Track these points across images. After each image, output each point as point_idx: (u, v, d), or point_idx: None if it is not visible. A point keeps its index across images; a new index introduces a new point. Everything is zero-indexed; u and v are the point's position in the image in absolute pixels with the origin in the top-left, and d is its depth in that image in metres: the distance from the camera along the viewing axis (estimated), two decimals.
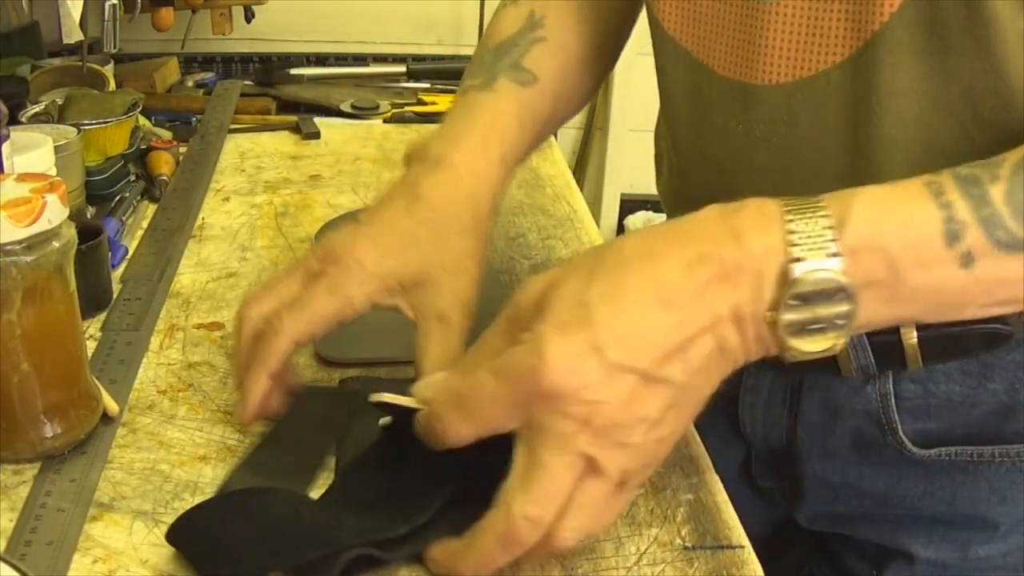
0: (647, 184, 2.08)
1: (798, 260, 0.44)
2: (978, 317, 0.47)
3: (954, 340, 0.58)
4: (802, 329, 0.45)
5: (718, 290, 0.44)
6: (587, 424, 0.44)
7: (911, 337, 0.59)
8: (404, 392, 0.52)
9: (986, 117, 0.52)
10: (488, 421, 0.47)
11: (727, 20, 0.58)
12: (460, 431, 0.47)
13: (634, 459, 0.46)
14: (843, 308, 0.44)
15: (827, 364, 0.58)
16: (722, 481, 0.60)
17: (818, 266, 0.44)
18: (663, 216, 2.10)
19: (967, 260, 0.44)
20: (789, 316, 0.44)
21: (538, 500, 0.45)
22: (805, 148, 0.57)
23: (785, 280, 0.44)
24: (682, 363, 0.45)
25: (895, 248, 0.44)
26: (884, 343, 0.60)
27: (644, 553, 0.53)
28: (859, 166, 0.55)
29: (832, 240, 0.44)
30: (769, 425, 0.69)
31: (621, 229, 2.05)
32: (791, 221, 0.44)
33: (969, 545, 0.66)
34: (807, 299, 0.44)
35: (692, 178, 0.67)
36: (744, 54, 0.57)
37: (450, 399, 0.48)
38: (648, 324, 0.44)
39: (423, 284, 0.59)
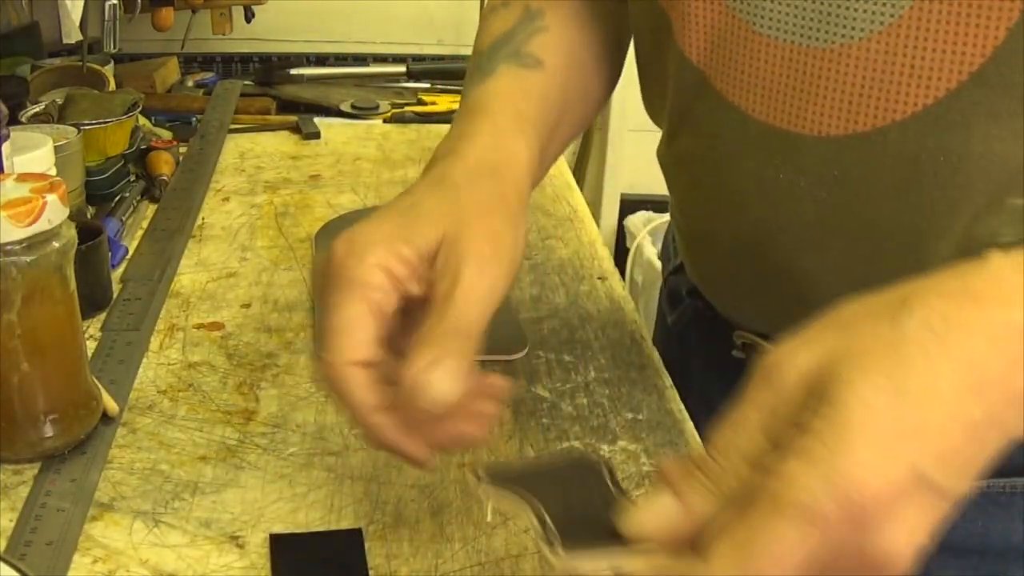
0: (647, 184, 2.08)
1: None
2: None
3: None
4: None
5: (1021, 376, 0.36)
6: (871, 554, 0.34)
7: None
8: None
9: None
10: (789, 571, 0.33)
11: (770, 64, 0.52)
12: None
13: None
14: None
15: None
16: None
17: None
18: (663, 216, 2.10)
19: None
20: None
21: None
22: (857, 206, 0.52)
23: None
24: (967, 474, 0.36)
25: None
26: None
27: None
28: (920, 229, 0.51)
29: None
30: None
31: (621, 229, 2.05)
32: None
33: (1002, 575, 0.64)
34: None
35: (709, 222, 0.62)
36: (791, 101, 0.52)
37: (737, 557, 0.33)
38: (962, 430, 0.35)
39: (445, 243, 0.47)
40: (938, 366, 0.34)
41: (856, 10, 0.49)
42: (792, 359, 0.36)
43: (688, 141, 0.61)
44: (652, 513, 0.37)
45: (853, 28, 0.49)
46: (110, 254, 0.79)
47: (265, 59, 1.49)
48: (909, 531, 0.34)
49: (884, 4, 0.48)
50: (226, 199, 0.99)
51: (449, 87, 1.38)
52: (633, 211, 2.04)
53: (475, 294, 0.46)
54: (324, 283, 0.48)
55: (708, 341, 0.72)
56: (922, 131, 0.49)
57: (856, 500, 0.32)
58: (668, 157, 0.65)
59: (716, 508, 0.35)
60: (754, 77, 0.53)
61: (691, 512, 0.36)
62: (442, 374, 0.43)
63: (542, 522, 0.39)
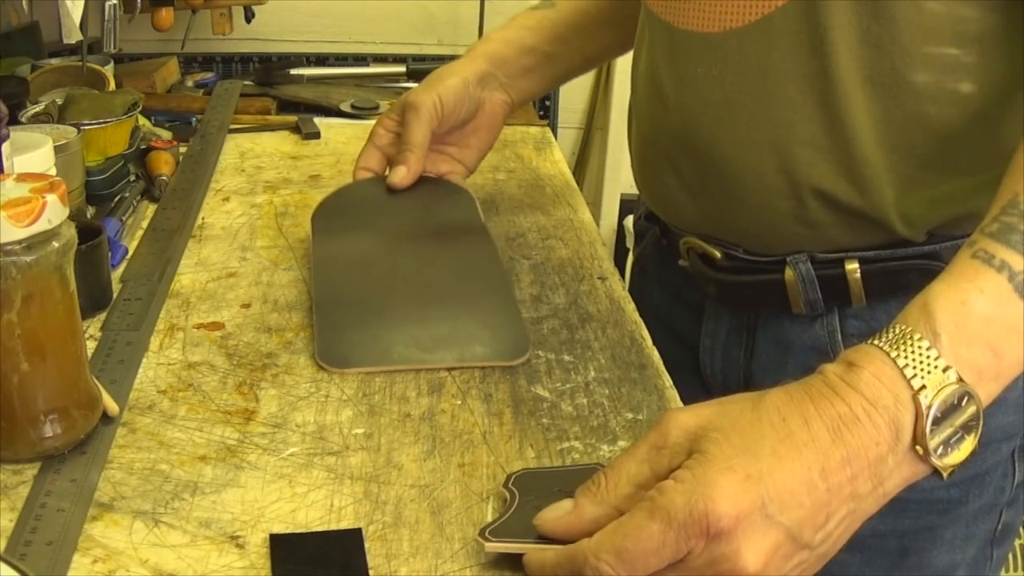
0: None
1: (922, 389, 0.47)
2: None
3: (894, 275, 0.66)
4: (947, 445, 0.48)
5: (863, 450, 0.47)
6: (729, 564, 0.45)
7: (855, 272, 0.67)
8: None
9: (911, 51, 0.61)
10: (648, 568, 0.45)
11: None
12: None
13: None
14: (971, 410, 0.48)
15: (778, 302, 0.69)
16: None
17: (938, 384, 0.47)
18: None
19: None
20: (934, 441, 0.48)
21: None
22: (776, 85, 0.65)
23: (920, 413, 0.47)
24: (823, 531, 0.47)
25: (985, 331, 0.48)
26: (830, 276, 0.68)
27: None
28: (824, 97, 0.63)
29: (936, 358, 0.48)
30: (728, 366, 0.77)
31: (621, 229, 2.05)
32: (897, 358, 0.48)
33: None
34: (941, 418, 0.47)
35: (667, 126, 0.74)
36: (702, 8, 0.67)
37: (608, 548, 0.46)
38: (803, 483, 0.46)
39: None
40: (782, 438, 0.47)
41: None
42: (680, 419, 0.49)
43: (639, 61, 0.78)
44: (552, 513, 0.50)
45: None
46: (110, 254, 0.79)
47: (265, 59, 1.49)
48: (754, 552, 0.44)
49: None
50: (226, 199, 0.99)
51: None
52: (633, 211, 2.04)
53: (408, 130, 0.85)
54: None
55: (663, 265, 0.83)
56: (800, 13, 0.62)
57: (704, 514, 0.44)
58: (631, 82, 0.81)
59: (602, 514, 0.48)
60: None
61: (581, 515, 0.49)
62: (395, 171, 0.86)
63: (500, 514, 0.53)
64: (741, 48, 0.65)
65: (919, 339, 0.48)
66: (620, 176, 2.01)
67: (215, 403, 0.65)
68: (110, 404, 0.62)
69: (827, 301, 0.69)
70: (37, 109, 0.97)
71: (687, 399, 0.68)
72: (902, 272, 0.67)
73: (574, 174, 1.09)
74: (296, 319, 0.76)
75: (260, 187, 1.02)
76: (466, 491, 0.57)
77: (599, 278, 0.84)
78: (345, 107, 1.28)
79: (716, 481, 0.45)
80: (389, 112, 0.88)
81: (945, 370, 0.47)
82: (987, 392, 0.49)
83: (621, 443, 0.62)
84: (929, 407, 0.47)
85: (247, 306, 0.77)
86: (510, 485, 0.55)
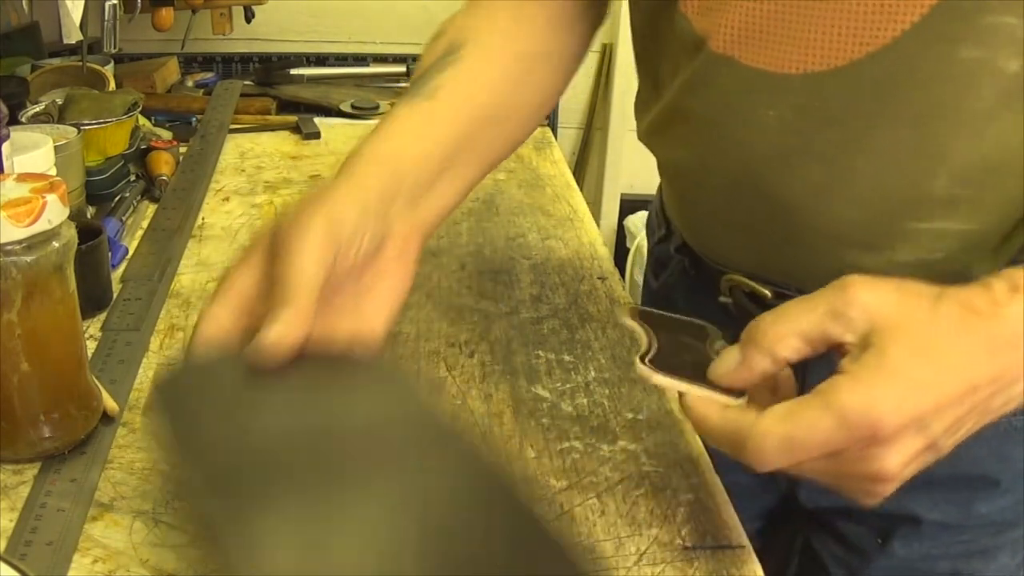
0: (647, 184, 2.08)
1: None
2: None
3: None
4: None
5: (1008, 373, 0.49)
6: (872, 467, 0.47)
7: None
8: None
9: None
10: (811, 453, 0.47)
11: (758, 15, 0.60)
12: (777, 460, 0.48)
13: (863, 494, 0.50)
14: None
15: None
16: (722, 466, 0.61)
17: None
18: None
19: None
20: None
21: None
22: (836, 133, 0.59)
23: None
24: (955, 438, 0.49)
25: None
26: None
27: (644, 553, 0.53)
28: (894, 152, 0.58)
29: None
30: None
31: (621, 229, 2.05)
32: None
33: (972, 503, 0.69)
34: None
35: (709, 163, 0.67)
36: (776, 45, 0.59)
37: (778, 433, 0.47)
38: (958, 402, 0.48)
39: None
40: (952, 348, 0.47)
41: None
42: (863, 298, 0.48)
43: (685, 97, 0.66)
44: (724, 366, 0.51)
45: None
46: (110, 254, 0.79)
47: (265, 59, 1.49)
48: (901, 457, 0.47)
49: None
50: (226, 199, 0.99)
51: None
52: (633, 211, 2.04)
53: (300, 268, 0.52)
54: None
55: (693, 295, 0.75)
56: (893, 60, 0.56)
57: (875, 420, 0.45)
58: (662, 115, 0.70)
59: (771, 367, 0.50)
60: (744, 29, 0.60)
61: (752, 368, 0.50)
62: (272, 334, 0.50)
63: (648, 344, 0.54)
64: (822, 93, 0.58)
65: None
66: (620, 176, 2.01)
67: None
68: (110, 404, 0.62)
69: None
70: (37, 109, 0.97)
71: None
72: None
73: (574, 174, 1.09)
74: None
75: (260, 187, 1.02)
76: None
77: (599, 278, 0.84)
78: (345, 107, 1.28)
79: (890, 387, 0.46)
80: (248, 249, 0.56)
81: None
82: None
83: (621, 443, 0.62)
84: None
85: None
86: (639, 320, 0.56)
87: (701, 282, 0.74)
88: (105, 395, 0.62)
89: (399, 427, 0.51)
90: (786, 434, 0.47)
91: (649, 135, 0.74)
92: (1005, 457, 0.67)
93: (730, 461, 0.58)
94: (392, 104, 1.28)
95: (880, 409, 0.46)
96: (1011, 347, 0.48)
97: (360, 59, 1.53)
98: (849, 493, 0.50)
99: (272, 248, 0.55)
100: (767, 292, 0.68)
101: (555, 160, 1.13)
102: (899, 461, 0.47)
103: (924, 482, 0.68)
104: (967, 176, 0.58)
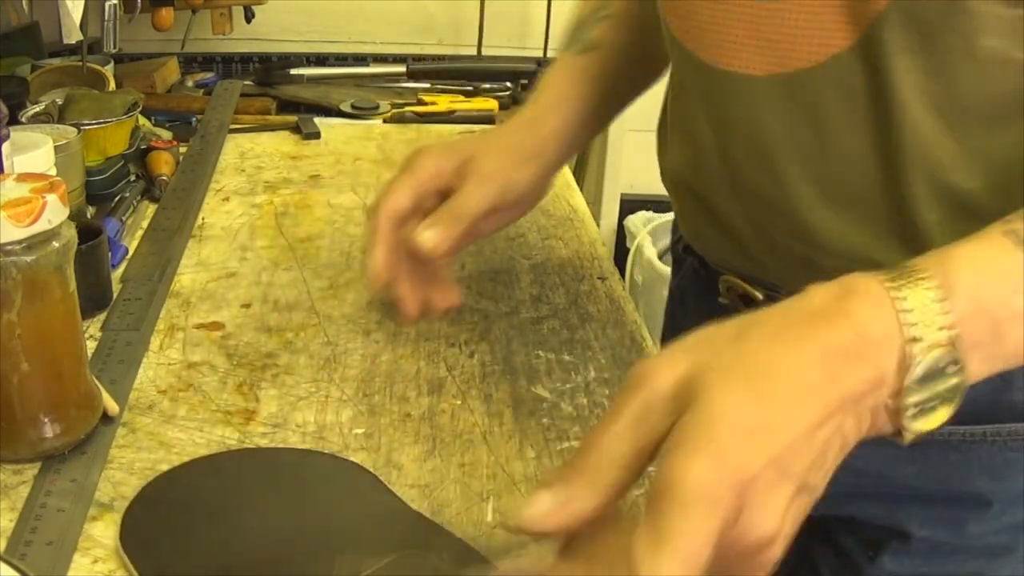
0: (647, 184, 2.07)
1: (915, 340, 0.43)
2: None
3: None
4: (920, 410, 0.44)
5: (849, 387, 0.43)
6: (753, 535, 0.41)
7: None
8: None
9: (969, 112, 0.54)
10: (704, 551, 0.39)
11: (727, 20, 0.60)
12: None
13: (752, 568, 0.42)
14: (954, 380, 0.44)
15: None
16: None
17: (933, 342, 0.43)
18: (663, 216, 2.10)
19: None
20: (911, 399, 0.43)
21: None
22: (805, 134, 0.60)
23: (905, 365, 0.43)
24: (823, 472, 0.43)
25: (995, 307, 0.44)
26: None
27: None
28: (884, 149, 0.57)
29: (943, 314, 0.43)
30: None
31: (621, 229, 2.05)
32: (900, 299, 0.43)
33: (964, 523, 0.67)
34: (925, 379, 0.43)
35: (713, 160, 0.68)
36: (743, 49, 0.60)
37: (653, 541, 0.39)
38: (804, 427, 0.42)
39: (465, 162, 0.70)
40: (780, 377, 0.42)
41: None
42: (660, 378, 0.42)
43: (673, 101, 0.72)
44: (534, 506, 0.41)
45: None
46: (110, 254, 0.79)
47: (265, 59, 1.49)
48: (777, 514, 0.40)
49: None
50: (226, 199, 0.99)
51: (449, 87, 1.38)
52: (633, 211, 2.04)
53: (464, 198, 0.68)
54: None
55: (702, 296, 0.76)
56: (850, 66, 0.56)
57: (743, 481, 0.38)
58: (660, 122, 0.76)
59: (596, 501, 0.41)
60: (711, 30, 0.62)
61: (570, 504, 0.41)
62: (431, 232, 0.66)
63: None
64: (791, 95, 0.59)
65: (928, 288, 0.43)
66: (620, 176, 2.01)
67: (215, 403, 0.65)
68: (110, 404, 0.62)
69: None
70: (37, 109, 0.97)
71: None
72: None
73: (574, 174, 1.09)
74: (296, 319, 0.76)
75: (260, 187, 1.02)
76: (466, 491, 0.57)
77: (599, 278, 0.84)
78: (345, 107, 1.28)
79: (727, 438, 0.39)
80: (442, 152, 0.71)
81: (942, 329, 0.43)
82: (975, 371, 0.44)
83: None
84: (917, 363, 0.43)
85: (247, 306, 0.77)
86: None
87: (708, 283, 0.74)
88: (105, 395, 0.62)
89: (372, 523, 0.54)
90: (656, 535, 0.38)
91: (657, 146, 0.77)
92: (998, 476, 0.65)
93: None
94: (391, 104, 1.29)
95: (735, 461, 0.39)
96: (846, 359, 0.42)
97: (360, 59, 1.53)
98: (745, 572, 0.42)
99: (460, 165, 0.70)
100: (758, 294, 0.68)
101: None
102: (774, 516, 0.40)
103: (915, 497, 0.68)
104: (937, 176, 0.56)
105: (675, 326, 0.79)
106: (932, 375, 0.43)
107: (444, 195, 0.69)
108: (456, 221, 0.67)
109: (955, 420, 0.63)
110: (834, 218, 0.59)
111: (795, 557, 0.68)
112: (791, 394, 0.42)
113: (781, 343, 0.43)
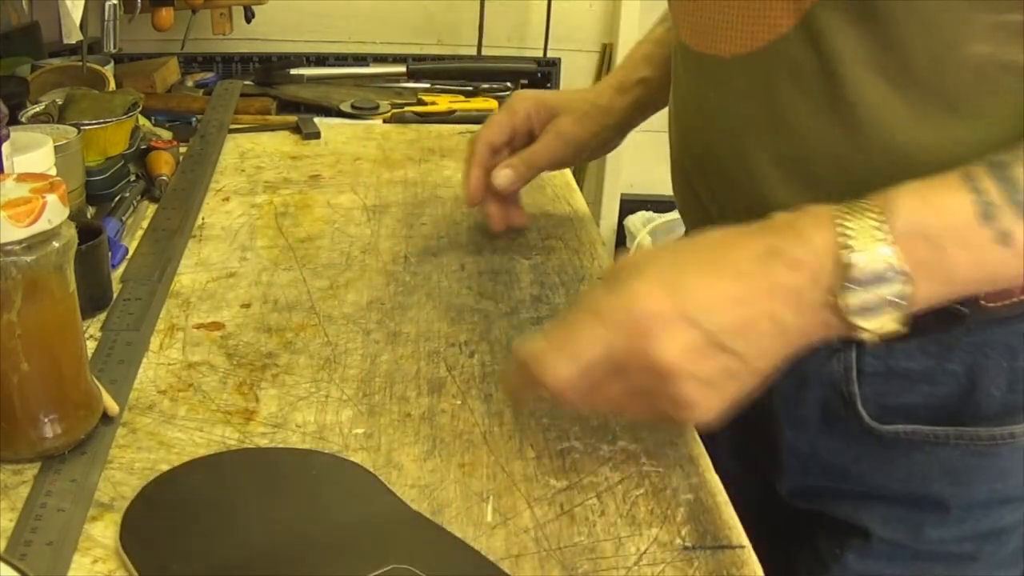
0: (647, 184, 2.08)
1: (850, 248, 0.49)
2: None
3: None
4: (864, 310, 0.49)
5: (782, 277, 0.50)
6: (647, 358, 0.49)
7: None
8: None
9: (921, 80, 0.56)
10: (586, 355, 0.51)
11: (699, 5, 0.66)
12: (560, 370, 0.51)
13: (670, 407, 0.51)
14: (898, 287, 0.49)
15: None
16: (714, 454, 0.62)
17: (869, 250, 0.49)
18: (663, 216, 2.10)
19: (1004, 238, 0.49)
20: (848, 298, 0.49)
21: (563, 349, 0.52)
22: (768, 113, 0.63)
23: (840, 267, 0.49)
24: (746, 340, 0.50)
25: (935, 232, 0.49)
26: None
27: (644, 553, 0.53)
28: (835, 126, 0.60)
29: (880, 230, 0.49)
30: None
31: (621, 229, 2.05)
32: (843, 223, 0.49)
33: (922, 527, 0.68)
34: (863, 283, 0.49)
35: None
36: (713, 32, 0.64)
37: (552, 343, 0.52)
38: (722, 296, 0.50)
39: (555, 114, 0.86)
40: (704, 258, 0.51)
41: None
42: (627, 259, 0.53)
43: (674, 87, 0.76)
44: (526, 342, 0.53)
45: None
46: (110, 254, 0.79)
47: (265, 59, 1.49)
48: (677, 348, 0.49)
49: None
50: (226, 199, 0.99)
51: (449, 87, 1.38)
52: (633, 211, 2.04)
53: (539, 151, 0.86)
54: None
55: None
56: (796, 45, 0.59)
57: (634, 313, 0.49)
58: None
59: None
60: (692, 15, 0.66)
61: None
62: (505, 171, 0.85)
63: None
64: (748, 75, 0.62)
65: (871, 213, 0.50)
66: (620, 176, 2.01)
67: (215, 403, 0.65)
68: (110, 404, 0.62)
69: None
70: (37, 109, 0.97)
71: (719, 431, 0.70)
72: (917, 314, 0.60)
73: (574, 174, 1.09)
74: (296, 319, 0.76)
75: (260, 187, 1.02)
76: (466, 491, 0.57)
77: (599, 278, 0.84)
78: (345, 107, 1.28)
79: (642, 283, 0.50)
80: (536, 101, 0.87)
81: (880, 242, 0.49)
82: (927, 289, 0.50)
83: (621, 443, 0.62)
84: (850, 264, 0.49)
85: (247, 306, 0.77)
86: None
87: None
88: (105, 395, 0.62)
89: (372, 524, 0.54)
90: (556, 339, 0.51)
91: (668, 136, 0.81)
92: (957, 481, 0.66)
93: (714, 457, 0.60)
94: (391, 104, 1.29)
95: (636, 300, 0.49)
96: (780, 255, 0.50)
97: (360, 59, 1.53)
98: (658, 408, 0.51)
99: (548, 115, 0.86)
100: None
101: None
102: (674, 348, 0.49)
103: (879, 497, 0.70)
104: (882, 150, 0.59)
105: None
106: (872, 279, 0.49)
107: (531, 137, 0.87)
108: (527, 169, 0.85)
109: (922, 420, 0.66)
110: (795, 197, 0.60)
111: (778, 556, 0.69)
112: (717, 270, 0.50)
113: (729, 241, 0.52)
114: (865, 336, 0.50)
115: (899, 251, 0.49)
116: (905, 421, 0.65)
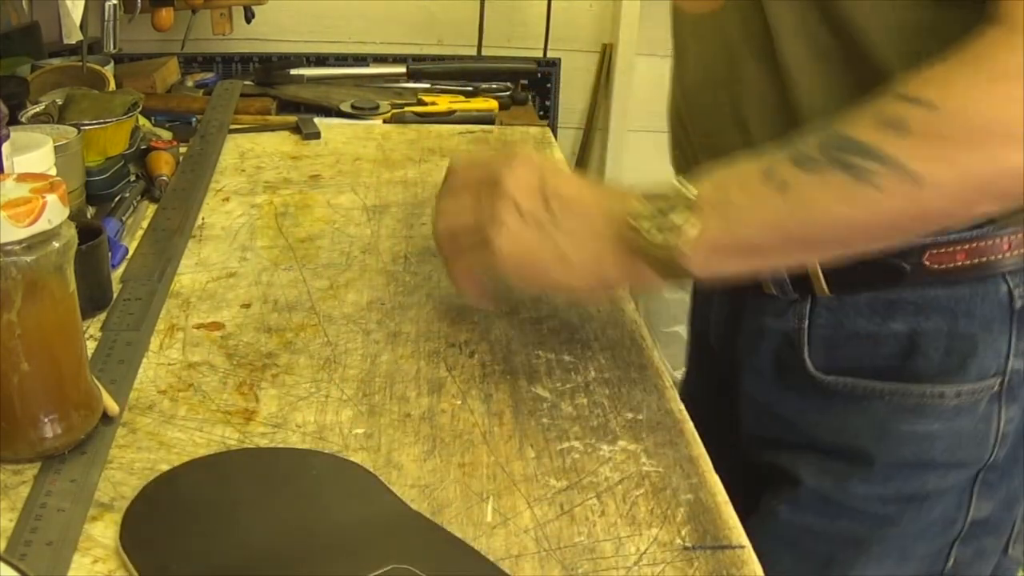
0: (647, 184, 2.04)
1: (652, 195, 0.59)
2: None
3: (852, 270, 0.64)
4: (651, 219, 0.58)
5: (613, 205, 0.60)
6: (493, 173, 0.62)
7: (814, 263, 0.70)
8: None
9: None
10: (460, 220, 0.64)
11: None
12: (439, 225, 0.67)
13: (487, 222, 0.62)
14: (683, 211, 0.57)
15: (757, 283, 0.72)
16: (695, 399, 0.68)
17: (666, 182, 0.58)
18: None
19: (782, 186, 0.55)
20: (637, 206, 0.58)
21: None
22: (736, 64, 0.68)
23: (642, 195, 0.59)
24: (568, 210, 0.61)
25: (720, 179, 0.58)
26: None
27: (644, 553, 0.53)
28: (774, 77, 0.66)
29: (685, 188, 0.58)
30: (722, 345, 0.80)
31: None
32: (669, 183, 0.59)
33: (848, 479, 0.71)
34: (652, 197, 0.58)
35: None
36: None
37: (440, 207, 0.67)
38: (570, 183, 0.62)
39: None
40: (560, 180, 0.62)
41: None
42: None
43: (674, 51, 0.79)
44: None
45: None
46: (110, 254, 0.79)
47: (265, 59, 1.49)
48: (518, 175, 0.62)
49: None
50: (226, 199, 0.99)
51: (449, 87, 1.38)
52: None
53: None
54: None
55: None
56: (745, 7, 0.65)
57: (494, 175, 0.62)
58: None
59: None
60: None
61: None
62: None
63: None
64: (715, 28, 0.69)
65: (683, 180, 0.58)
66: (620, 176, 2.01)
67: (215, 403, 0.65)
68: (110, 404, 0.62)
69: (795, 286, 0.70)
70: (37, 109, 0.97)
71: (702, 367, 0.80)
72: (860, 267, 0.63)
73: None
74: (296, 319, 0.76)
75: (260, 187, 1.02)
76: (466, 491, 0.57)
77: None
78: (345, 107, 1.28)
79: (506, 171, 0.62)
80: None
81: (676, 180, 0.58)
82: (715, 224, 0.56)
83: (621, 443, 0.62)
84: (649, 191, 0.59)
85: (247, 306, 0.77)
86: None
87: None
88: (105, 395, 0.62)
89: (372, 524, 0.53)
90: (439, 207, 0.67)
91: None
92: (884, 437, 0.69)
93: None
94: (391, 104, 1.29)
95: (467, 168, 0.65)
96: (615, 197, 0.60)
97: (360, 59, 1.53)
98: (480, 224, 0.62)
99: None
100: None
101: (555, 160, 1.13)
102: (514, 175, 0.61)
103: (814, 447, 0.73)
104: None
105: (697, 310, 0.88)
106: (659, 197, 0.58)
107: None
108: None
109: (864, 374, 0.71)
110: (748, 151, 0.64)
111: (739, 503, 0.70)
112: (575, 181, 0.63)
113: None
114: (650, 244, 0.57)
115: (687, 183, 0.57)
116: (848, 375, 0.69)
